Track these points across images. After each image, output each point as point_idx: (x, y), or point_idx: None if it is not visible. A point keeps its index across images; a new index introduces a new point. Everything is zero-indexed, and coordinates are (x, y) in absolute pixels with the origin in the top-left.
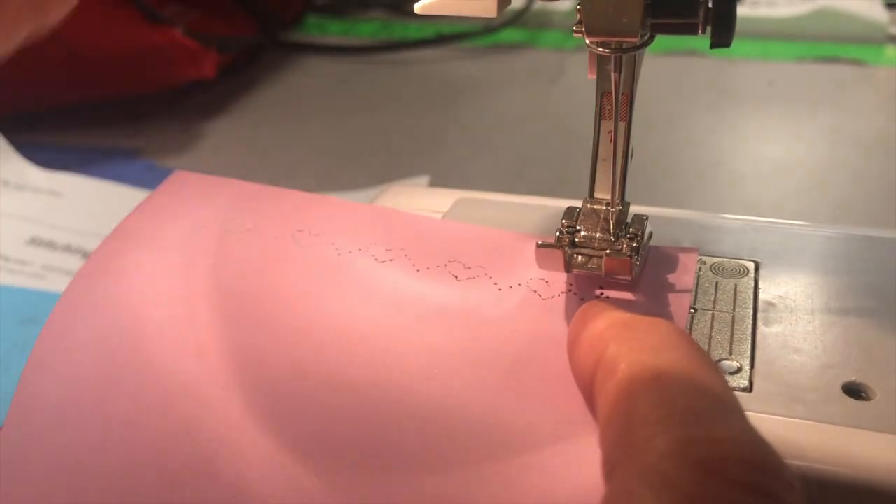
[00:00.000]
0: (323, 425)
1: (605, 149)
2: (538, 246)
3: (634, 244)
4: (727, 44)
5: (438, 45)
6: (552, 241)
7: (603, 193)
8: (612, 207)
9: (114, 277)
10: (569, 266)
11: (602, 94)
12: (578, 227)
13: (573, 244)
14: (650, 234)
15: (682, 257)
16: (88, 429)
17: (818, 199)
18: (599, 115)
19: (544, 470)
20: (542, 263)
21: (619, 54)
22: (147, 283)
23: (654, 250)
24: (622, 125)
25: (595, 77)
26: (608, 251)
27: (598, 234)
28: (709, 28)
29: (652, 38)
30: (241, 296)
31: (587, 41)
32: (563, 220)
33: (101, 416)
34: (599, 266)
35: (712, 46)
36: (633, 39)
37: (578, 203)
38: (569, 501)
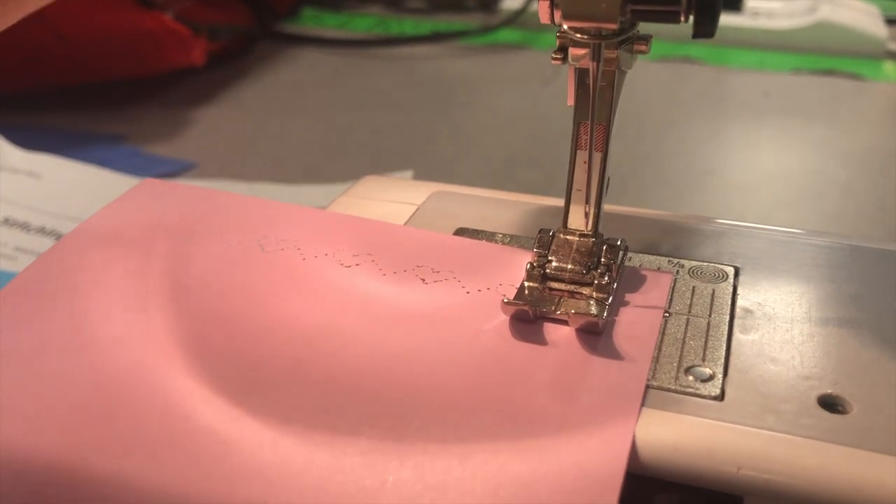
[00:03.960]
0: (274, 417)
1: (580, 179)
2: (504, 303)
3: (605, 280)
4: (710, 34)
5: (434, 42)
6: (519, 288)
7: (577, 224)
8: (586, 239)
9: (68, 270)
10: (536, 313)
11: (579, 123)
12: (550, 258)
13: (544, 277)
14: (625, 258)
15: (657, 278)
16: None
17: (807, 212)
18: (575, 145)
19: (500, 469)
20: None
21: (597, 42)
22: (100, 276)
23: (628, 270)
24: (597, 155)
25: (573, 104)
26: (573, 311)
27: (569, 266)
28: (692, 17)
29: (633, 25)
30: (199, 293)
31: (565, 26)
32: (535, 249)
33: (29, 391)
34: (566, 314)
35: (694, 36)
36: (612, 26)
37: (552, 201)
38: (522, 497)
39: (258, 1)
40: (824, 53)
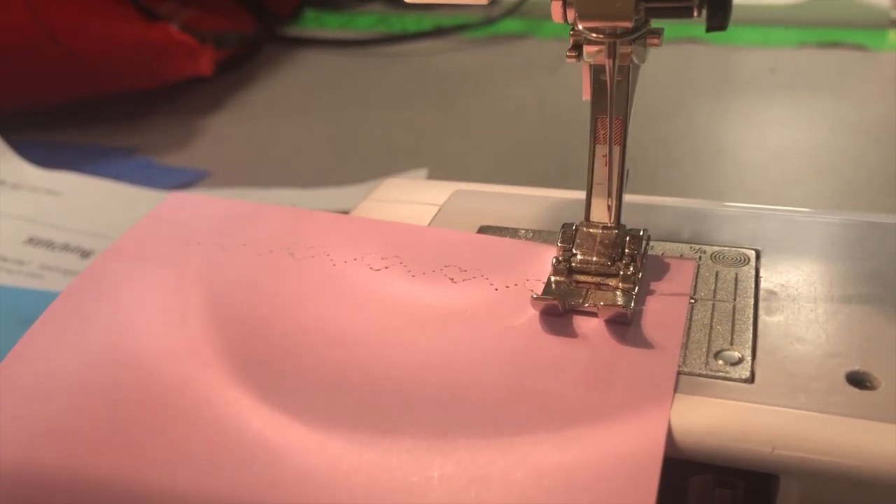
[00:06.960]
0: (319, 421)
1: (600, 173)
2: (534, 298)
3: (631, 270)
4: (723, 27)
5: (437, 36)
6: (546, 283)
7: (599, 217)
8: (609, 231)
9: (106, 288)
10: (565, 307)
11: (596, 118)
12: (575, 252)
13: (570, 270)
14: (648, 247)
15: (680, 265)
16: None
17: (820, 187)
18: (594, 139)
19: (542, 459)
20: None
21: (612, 40)
22: (138, 293)
23: (652, 259)
24: (616, 149)
25: (590, 98)
26: (602, 302)
27: (594, 259)
28: (704, 11)
29: (646, 21)
30: (235, 304)
31: (580, 26)
32: (560, 243)
33: (77, 407)
34: (594, 306)
35: (708, 30)
36: (627, 24)
37: (572, 194)
38: (561, 491)
39: (260, 6)
40: (828, 26)
